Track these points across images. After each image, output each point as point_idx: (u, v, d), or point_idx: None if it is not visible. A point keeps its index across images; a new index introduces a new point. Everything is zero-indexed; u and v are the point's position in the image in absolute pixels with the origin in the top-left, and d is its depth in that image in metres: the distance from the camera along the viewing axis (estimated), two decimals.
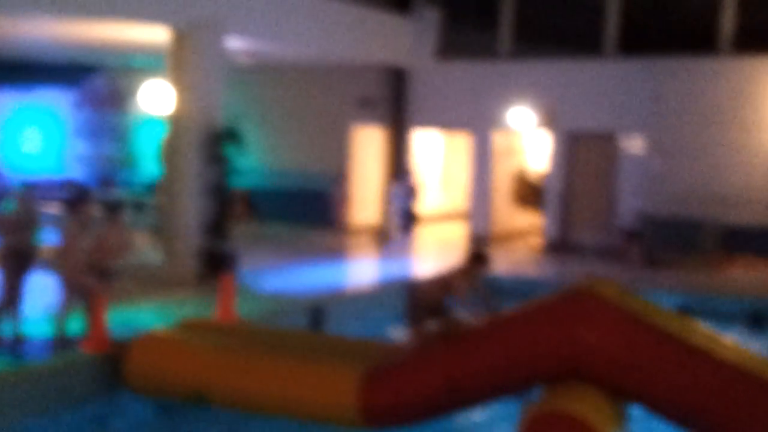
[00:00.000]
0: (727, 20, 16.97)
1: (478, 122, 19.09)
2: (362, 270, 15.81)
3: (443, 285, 9.31)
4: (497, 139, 19.27)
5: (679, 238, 16.31)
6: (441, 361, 7.16)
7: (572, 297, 7.11)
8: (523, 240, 19.51)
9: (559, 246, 17.91)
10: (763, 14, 16.87)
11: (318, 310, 11.44)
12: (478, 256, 9.52)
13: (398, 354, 7.64)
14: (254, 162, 18.85)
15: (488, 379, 7.00)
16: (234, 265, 12.72)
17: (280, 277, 13.93)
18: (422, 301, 9.38)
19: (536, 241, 19.00)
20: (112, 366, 8.58)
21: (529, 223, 20.42)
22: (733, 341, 8.11)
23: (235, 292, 10.72)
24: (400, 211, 17.67)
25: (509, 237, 19.60)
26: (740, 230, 16.40)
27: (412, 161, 20.05)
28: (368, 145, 20.51)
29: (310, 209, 20.30)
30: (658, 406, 6.72)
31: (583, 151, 18.26)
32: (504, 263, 15.47)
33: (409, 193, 18.26)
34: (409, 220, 17.74)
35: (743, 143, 16.59)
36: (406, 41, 19.32)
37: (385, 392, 7.20)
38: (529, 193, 20.25)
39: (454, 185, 23.52)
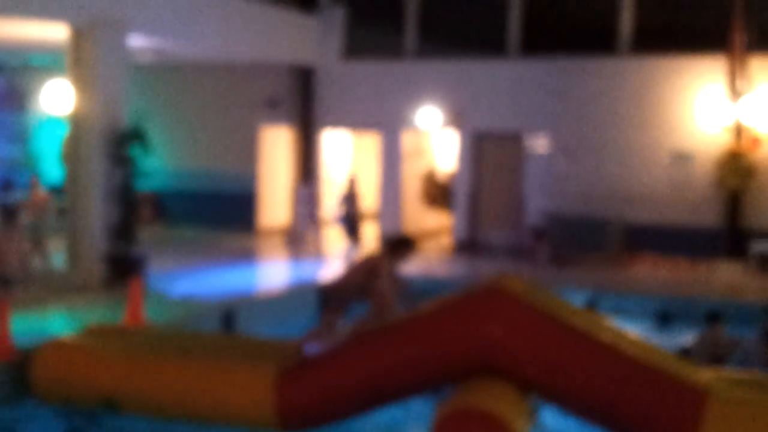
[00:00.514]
0: (626, 22, 17.44)
1: (387, 122, 19.16)
2: (273, 272, 15.69)
3: (369, 268, 9.17)
4: (406, 139, 19.37)
5: (584, 237, 16.67)
6: (354, 359, 7.14)
7: (480, 293, 7.18)
8: (434, 240, 19.66)
9: (468, 246, 18.10)
10: (659, 16, 17.39)
11: (229, 314, 11.31)
12: (402, 241, 9.49)
13: (312, 350, 7.60)
14: (161, 163, 18.52)
15: (401, 376, 7.01)
16: (142, 269, 12.48)
17: (190, 280, 13.72)
18: (343, 288, 9.22)
19: (446, 241, 19.16)
20: (17, 374, 8.31)
21: (439, 223, 20.59)
22: (638, 337, 8.34)
23: (143, 296, 10.50)
24: (344, 216, 17.25)
25: (420, 237, 19.69)
26: (643, 228, 16.86)
27: (321, 162, 20.00)
28: (277, 146, 20.38)
29: (220, 211, 20.07)
30: (564, 401, 6.83)
31: (491, 150, 18.50)
32: (415, 264, 15.54)
33: (312, 197, 18.13)
34: (351, 224, 17.23)
35: (644, 142, 17.05)
36: (312, 40, 19.28)
37: (300, 391, 7.14)
38: (439, 193, 20.42)
39: (364, 186, 23.53)
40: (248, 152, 20.19)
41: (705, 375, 7.58)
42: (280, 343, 8.56)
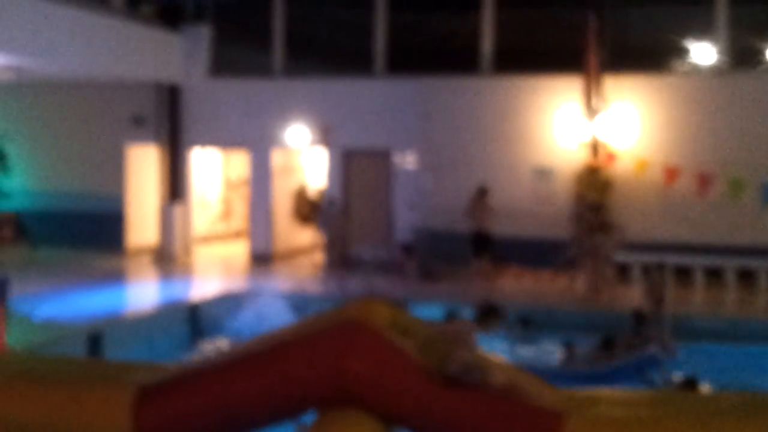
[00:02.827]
0: (487, 43, 18.04)
1: (256, 140, 19.17)
2: (142, 293, 15.46)
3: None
4: (276, 157, 19.43)
5: (452, 251, 17.08)
6: (211, 381, 7.06)
7: (343, 326, 7.23)
8: (306, 257, 19.74)
9: (340, 262, 18.26)
10: (518, 38, 18.07)
11: (96, 337, 11.09)
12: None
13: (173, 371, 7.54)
14: (23, 184, 18.00)
15: (255, 404, 6.92)
16: (3, 293, 12.09)
17: (54, 303, 13.38)
18: None
19: (318, 257, 19.28)
20: None
21: (311, 240, 20.69)
22: (503, 359, 8.64)
23: (5, 320, 10.21)
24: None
25: (291, 254, 19.78)
26: (508, 242, 17.36)
27: (190, 180, 19.82)
28: (144, 165, 20.08)
29: (87, 231, 19.61)
30: None
31: (359, 168, 18.77)
32: (287, 281, 15.63)
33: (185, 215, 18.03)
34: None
35: (507, 158, 17.62)
36: (177, 58, 19.14)
37: (155, 413, 7.06)
38: (310, 211, 20.53)
39: (235, 204, 23.44)
40: (114, 171, 19.81)
41: (563, 395, 7.94)
42: (146, 364, 8.46)
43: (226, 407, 7.25)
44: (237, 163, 22.59)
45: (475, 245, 16.80)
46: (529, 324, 11.36)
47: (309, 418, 7.02)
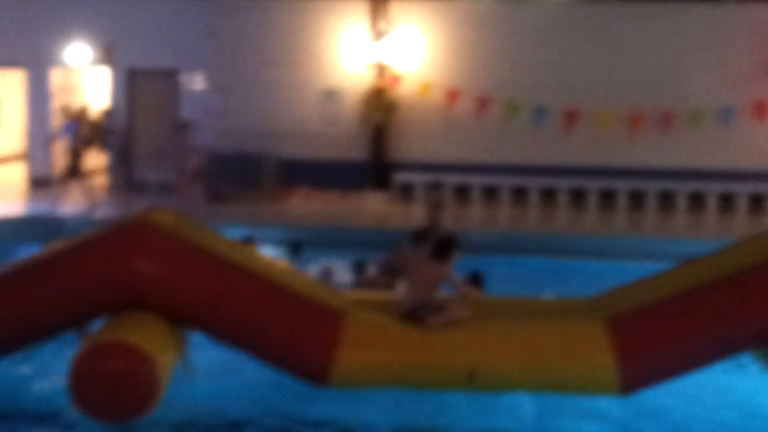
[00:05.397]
0: None
1: (32, 59, 18.18)
2: None
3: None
4: (55, 77, 18.53)
5: (241, 173, 17.03)
6: (3, 288, 6.80)
7: (128, 227, 7.14)
8: (89, 181, 19.05)
9: (124, 185, 17.82)
10: None
11: None
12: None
13: None
14: None
15: (50, 309, 6.75)
16: None
17: None
18: None
19: (102, 181, 18.70)
20: None
21: (93, 163, 19.97)
22: (286, 265, 8.85)
23: None
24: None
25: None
26: (296, 163, 17.53)
27: None
28: None
29: None
30: (216, 332, 7.02)
31: (145, 88, 18.24)
32: (68, 205, 15.13)
33: None
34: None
35: (295, 80, 17.66)
36: None
37: None
38: (92, 133, 19.78)
39: (11, 126, 22.22)
40: None
41: (343, 298, 8.27)
42: None
43: (21, 316, 7.01)
44: (11, 83, 21.34)
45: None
46: (300, 247, 11.55)
47: (95, 324, 6.88)
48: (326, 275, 10.18)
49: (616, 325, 7.02)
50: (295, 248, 11.45)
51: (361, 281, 10.00)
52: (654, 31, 16.98)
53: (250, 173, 17.00)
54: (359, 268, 10.33)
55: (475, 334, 7.13)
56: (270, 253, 10.65)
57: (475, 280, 8.95)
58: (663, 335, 6.89)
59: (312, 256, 11.62)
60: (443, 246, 7.63)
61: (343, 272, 10.71)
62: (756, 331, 6.84)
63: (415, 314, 7.33)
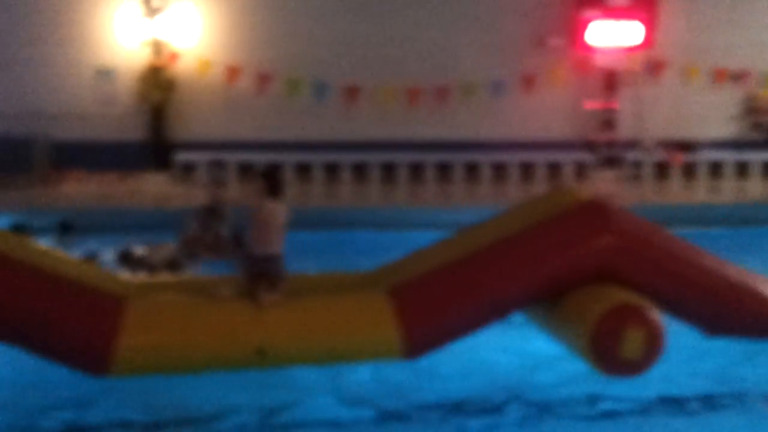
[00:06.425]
0: None
1: None
2: None
3: None
4: None
5: (9, 158, 16.10)
6: None
7: None
8: None
9: None
10: None
11: None
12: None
13: None
14: None
15: None
16: None
17: None
18: None
19: None
20: None
21: None
22: (59, 252, 8.45)
23: None
24: None
25: None
26: (71, 145, 16.77)
27: None
28: None
29: None
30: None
31: None
32: None
33: None
34: None
35: (67, 58, 16.86)
36: None
37: None
38: None
39: None
40: None
41: (124, 283, 8.02)
42: None
43: None
44: None
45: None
46: (70, 229, 11.11)
47: None
48: (91, 259, 9.83)
49: (398, 294, 7.21)
50: (64, 229, 10.99)
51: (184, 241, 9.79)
52: (428, 7, 17.45)
53: (18, 157, 16.09)
54: (124, 258, 10.01)
55: (260, 312, 7.10)
56: (42, 240, 10.14)
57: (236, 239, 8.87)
58: (442, 301, 7.14)
59: (86, 239, 11.19)
60: (278, 184, 7.34)
61: (108, 255, 10.40)
62: (526, 292, 7.23)
63: (257, 280, 7.20)
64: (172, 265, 9.99)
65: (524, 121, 17.66)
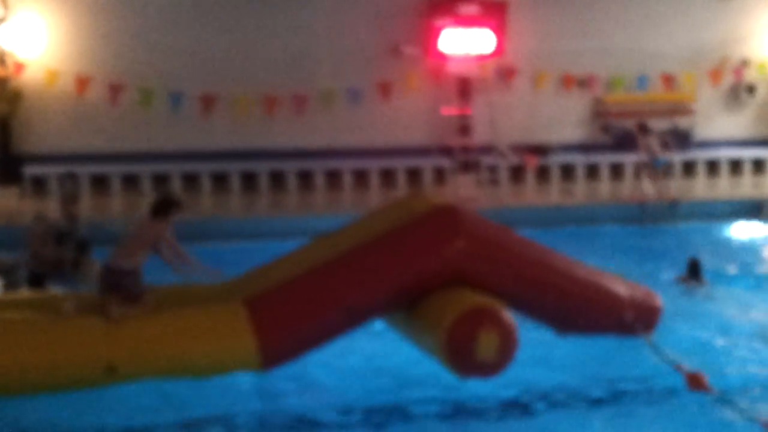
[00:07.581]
0: None
1: None
2: None
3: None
4: None
5: None
6: None
7: None
8: None
9: None
10: None
11: None
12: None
13: None
14: None
15: None
16: None
17: None
18: None
19: None
20: None
21: None
22: None
23: None
24: None
25: None
26: None
27: None
28: None
29: None
30: None
31: None
32: None
33: None
34: None
35: None
36: None
37: None
38: None
39: None
40: None
41: None
42: None
43: None
44: None
45: None
46: None
47: None
48: None
49: (254, 305, 7.16)
50: None
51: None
52: (285, 16, 17.37)
53: None
54: None
55: (110, 327, 6.91)
56: None
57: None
58: (298, 310, 7.12)
59: None
60: (162, 204, 7.57)
61: None
62: (381, 299, 7.29)
63: (110, 293, 7.07)
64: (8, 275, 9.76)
65: (383, 128, 17.80)
